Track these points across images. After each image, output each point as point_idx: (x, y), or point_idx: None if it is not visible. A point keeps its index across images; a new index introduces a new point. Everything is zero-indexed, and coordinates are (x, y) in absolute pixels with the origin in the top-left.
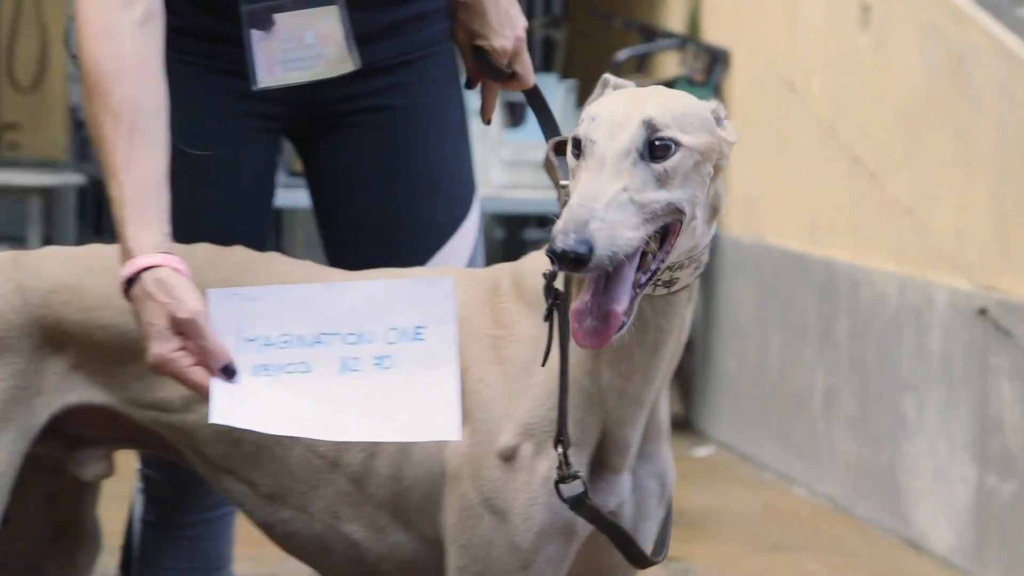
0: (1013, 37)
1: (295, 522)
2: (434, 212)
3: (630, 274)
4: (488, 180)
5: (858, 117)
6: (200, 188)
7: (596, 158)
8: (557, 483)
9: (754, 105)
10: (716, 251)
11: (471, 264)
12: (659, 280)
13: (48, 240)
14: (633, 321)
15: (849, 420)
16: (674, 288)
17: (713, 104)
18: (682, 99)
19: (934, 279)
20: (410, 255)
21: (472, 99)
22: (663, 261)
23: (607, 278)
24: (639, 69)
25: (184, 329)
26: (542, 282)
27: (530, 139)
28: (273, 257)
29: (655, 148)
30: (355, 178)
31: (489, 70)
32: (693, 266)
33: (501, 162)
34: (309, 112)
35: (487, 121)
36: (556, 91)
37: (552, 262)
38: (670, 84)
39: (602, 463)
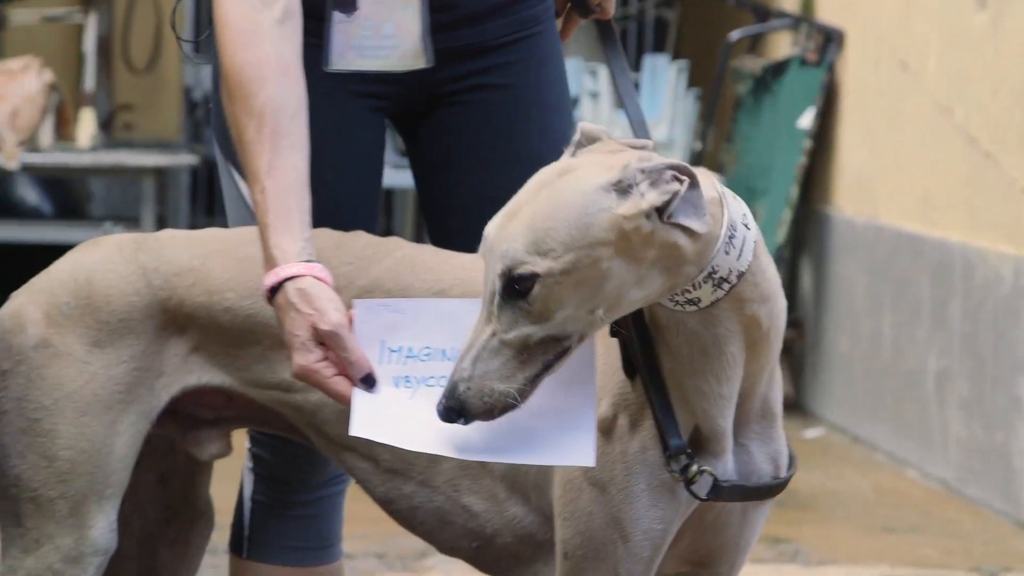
0: None
1: (416, 496)
2: None
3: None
4: None
5: (973, 97)
6: (311, 168)
7: (487, 291)
8: (688, 485)
9: (868, 85)
10: (827, 231)
11: None
12: (679, 301)
13: (162, 220)
14: (679, 330)
15: (962, 402)
16: (702, 305)
17: (616, 175)
18: (576, 204)
19: None
20: None
21: (586, 80)
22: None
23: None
24: (752, 49)
25: (326, 340)
26: None
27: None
28: (396, 242)
29: (516, 285)
30: (460, 158)
31: (579, 6)
32: (711, 284)
33: None
34: (417, 92)
35: (565, 40)
36: (667, 72)
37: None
38: (783, 65)
39: (700, 447)
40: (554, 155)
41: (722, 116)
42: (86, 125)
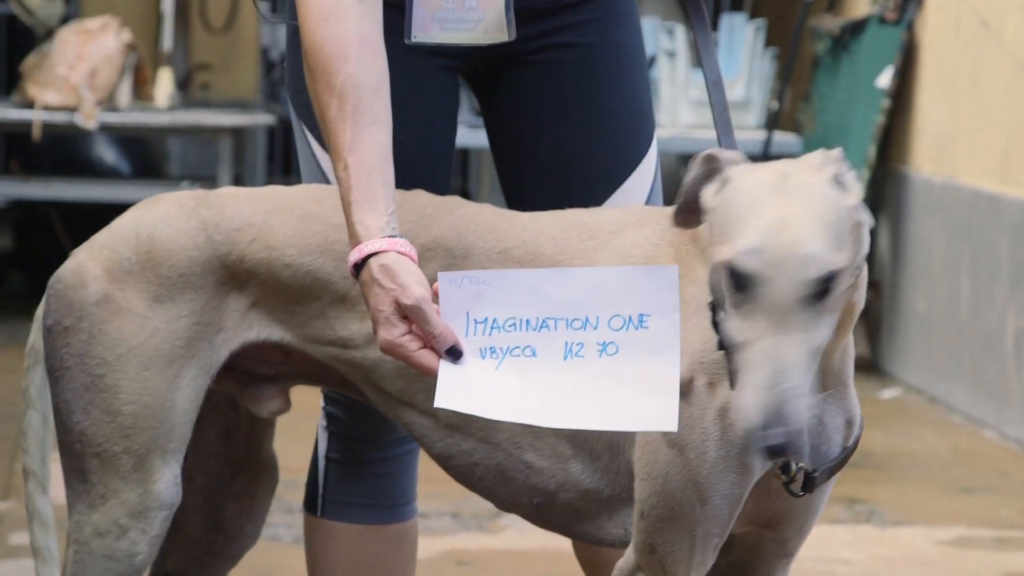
0: None
1: (476, 452)
2: (614, 150)
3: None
4: (676, 120)
5: None
6: None
7: (766, 307)
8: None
9: (947, 43)
10: (905, 191)
11: (650, 203)
12: None
13: (238, 180)
14: None
15: None
16: None
17: (833, 170)
18: (825, 199)
19: None
20: (590, 194)
21: (663, 39)
22: None
23: None
24: (830, 8)
25: (409, 315)
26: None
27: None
28: (456, 201)
29: (825, 284)
30: (536, 117)
31: None
32: None
33: (689, 101)
34: (492, 53)
35: None
36: (745, 31)
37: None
38: (861, 23)
39: None
40: (629, 113)
41: (799, 75)
42: (164, 85)
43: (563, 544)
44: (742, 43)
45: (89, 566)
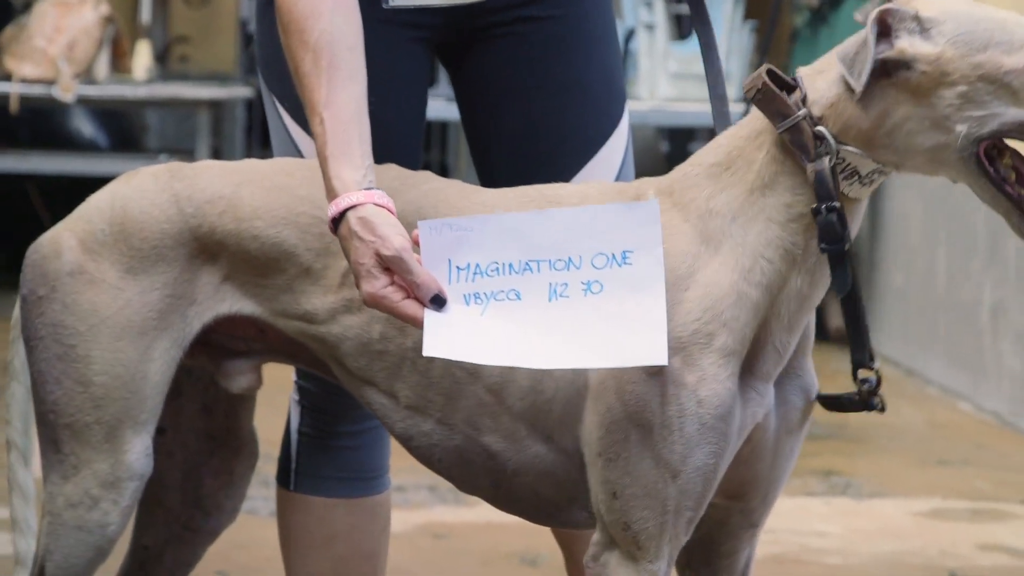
0: None
1: (435, 434)
2: (584, 123)
3: None
4: (654, 93)
5: None
6: None
7: None
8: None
9: None
10: None
11: (620, 177)
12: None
13: (216, 153)
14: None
15: (1017, 335)
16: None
17: None
18: None
19: None
20: (560, 166)
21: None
22: None
23: None
24: None
25: (391, 265)
26: (708, 197)
27: (697, 51)
28: (425, 175)
29: None
30: (505, 89)
31: None
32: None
33: (668, 74)
34: (461, 23)
35: None
36: (723, 4)
37: None
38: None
39: (752, 372)
40: (599, 86)
41: (778, 48)
42: (142, 57)
43: None
44: (720, 16)
45: (62, 537)
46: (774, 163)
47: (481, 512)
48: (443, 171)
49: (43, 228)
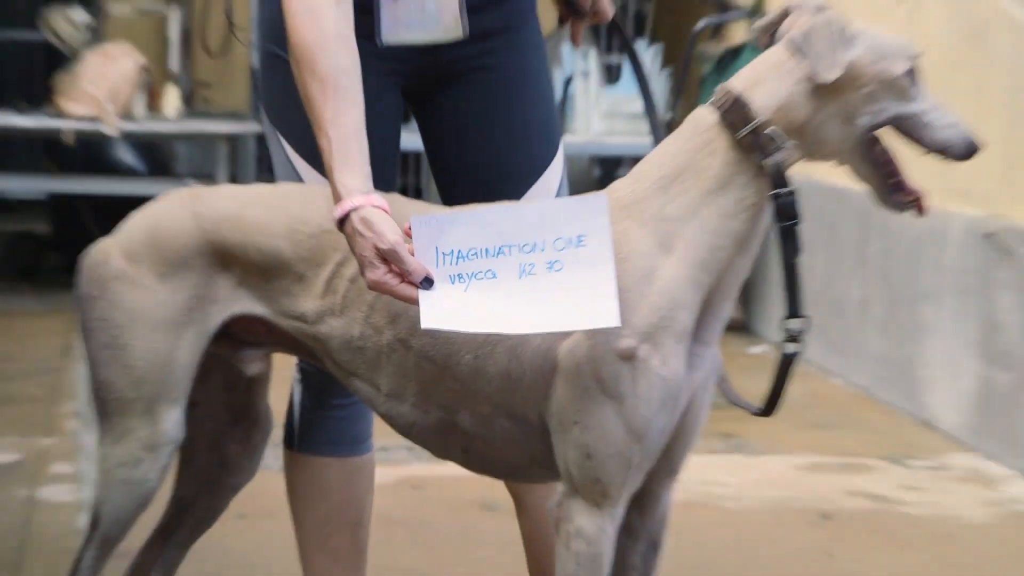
0: (1022, 11)
1: (412, 415)
2: (529, 154)
3: None
4: (589, 128)
5: None
6: None
7: (924, 82)
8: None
9: None
10: None
11: (559, 195)
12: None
13: (233, 178)
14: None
15: (878, 323)
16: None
17: None
18: None
19: (951, 208)
20: (509, 190)
21: (578, 62)
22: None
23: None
24: (714, 36)
25: (387, 257)
26: (661, 206)
27: (623, 94)
28: (392, 196)
29: None
30: (463, 127)
31: (574, 10)
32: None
33: (600, 113)
34: (428, 70)
35: (576, 45)
36: (645, 54)
37: (961, 151)
38: (738, 49)
39: (697, 339)
40: (539, 123)
41: (689, 91)
42: (171, 99)
43: None
44: (643, 63)
45: (112, 490)
46: (730, 165)
47: (450, 468)
48: (417, 194)
49: (93, 239)
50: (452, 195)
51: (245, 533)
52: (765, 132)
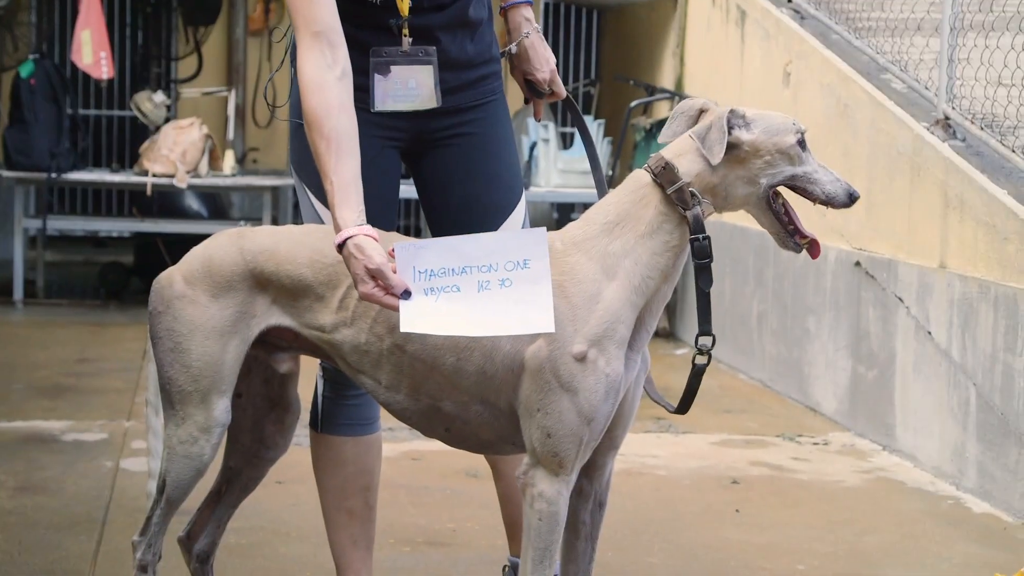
0: (879, 92)
1: (406, 402)
2: (499, 199)
3: None
4: (549, 181)
5: None
6: None
7: (809, 152)
8: (694, 360)
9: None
10: None
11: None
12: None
13: (274, 220)
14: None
15: (773, 331)
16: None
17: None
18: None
19: (828, 243)
20: (485, 228)
21: (540, 131)
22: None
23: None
24: (644, 112)
25: (375, 274)
26: (606, 244)
27: (575, 156)
28: (392, 235)
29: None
30: (447, 179)
31: (536, 92)
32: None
33: (557, 170)
34: (418, 136)
35: (538, 119)
36: (592, 126)
37: (843, 201)
38: (663, 121)
39: (631, 347)
40: (507, 176)
41: (625, 153)
42: (228, 160)
43: None
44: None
45: (175, 463)
46: (661, 215)
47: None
48: (416, 233)
49: (167, 267)
50: (440, 232)
51: (280, 496)
52: (688, 190)
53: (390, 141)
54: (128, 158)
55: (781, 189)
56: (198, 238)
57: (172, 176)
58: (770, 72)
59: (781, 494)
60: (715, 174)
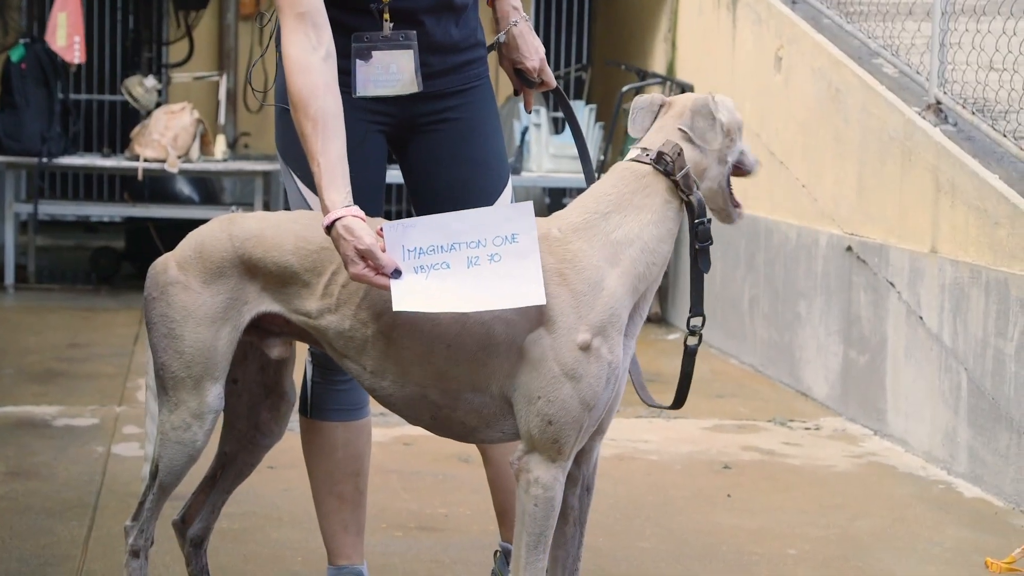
0: (870, 77)
1: (391, 389)
2: (485, 184)
3: None
4: (541, 166)
5: (773, 126)
6: None
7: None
8: (686, 341)
9: None
10: None
11: None
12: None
13: (266, 205)
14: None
15: (764, 316)
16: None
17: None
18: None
19: (819, 228)
20: None
21: (533, 117)
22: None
23: None
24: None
25: (364, 255)
26: (609, 232)
27: (566, 141)
28: (379, 220)
29: None
30: (433, 164)
31: (525, 81)
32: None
33: (549, 155)
34: (404, 121)
35: (529, 111)
36: (583, 112)
37: (756, 169)
38: None
39: (625, 333)
40: (493, 160)
41: (617, 139)
42: (220, 145)
43: None
44: (580, 119)
45: (168, 448)
46: (666, 203)
47: None
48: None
49: (159, 252)
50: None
51: (272, 481)
52: (692, 176)
53: (375, 126)
54: (119, 143)
55: None
56: (189, 223)
57: (163, 161)
58: (761, 57)
59: (772, 479)
60: (705, 158)
